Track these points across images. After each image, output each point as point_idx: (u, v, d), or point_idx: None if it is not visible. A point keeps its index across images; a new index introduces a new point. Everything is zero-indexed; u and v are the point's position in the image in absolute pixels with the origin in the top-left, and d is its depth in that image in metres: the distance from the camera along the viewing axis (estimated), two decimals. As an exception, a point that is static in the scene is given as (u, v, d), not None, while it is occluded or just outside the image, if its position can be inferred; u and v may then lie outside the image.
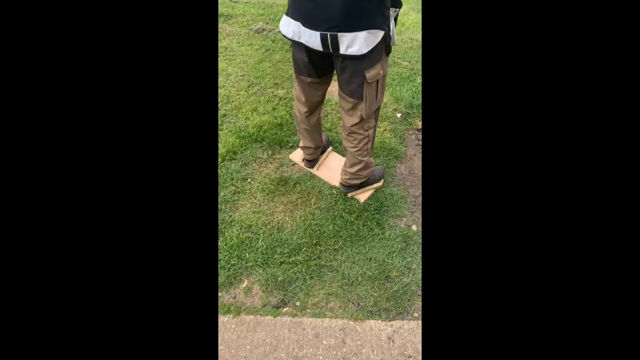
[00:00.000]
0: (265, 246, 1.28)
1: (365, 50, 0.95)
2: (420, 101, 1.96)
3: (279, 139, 1.72)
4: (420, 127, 1.80)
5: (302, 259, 1.24)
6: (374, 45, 0.95)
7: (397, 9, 0.97)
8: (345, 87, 1.11)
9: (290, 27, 1.06)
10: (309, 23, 0.97)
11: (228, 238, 1.30)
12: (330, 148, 1.68)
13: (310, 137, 1.43)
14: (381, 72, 1.04)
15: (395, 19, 0.99)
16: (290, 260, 1.24)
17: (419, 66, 2.28)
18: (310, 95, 1.26)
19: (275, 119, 1.83)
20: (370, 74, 1.02)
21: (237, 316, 1.11)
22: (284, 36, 1.11)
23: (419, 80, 2.13)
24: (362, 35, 0.92)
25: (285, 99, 1.99)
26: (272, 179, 1.53)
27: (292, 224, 1.36)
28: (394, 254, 1.26)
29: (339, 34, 0.93)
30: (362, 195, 1.46)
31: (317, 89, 1.24)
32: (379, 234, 1.33)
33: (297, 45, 1.11)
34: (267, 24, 2.79)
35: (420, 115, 1.88)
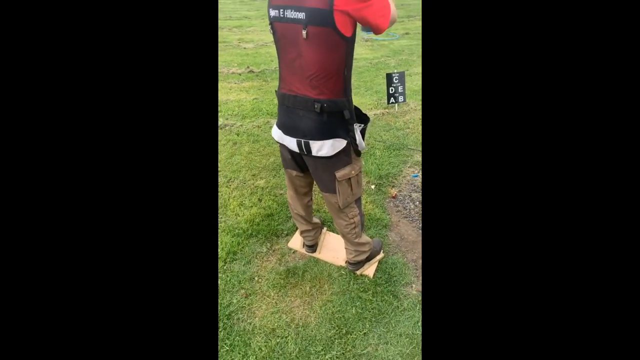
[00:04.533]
0: (297, 349, 1.19)
1: (332, 153, 1.09)
2: (385, 171, 2.18)
3: (273, 229, 1.71)
4: (394, 194, 1.98)
5: (338, 353, 1.18)
6: (340, 149, 1.10)
7: (363, 125, 1.15)
8: (319, 183, 1.24)
9: (276, 133, 1.20)
10: (288, 132, 1.12)
11: (256, 349, 1.18)
12: (325, 228, 1.72)
13: (306, 221, 1.47)
14: (352, 172, 1.18)
15: (363, 132, 1.16)
16: (327, 358, 1.17)
17: (372, 141, 2.57)
18: (297, 186, 1.36)
19: (264, 209, 1.83)
20: (339, 174, 1.16)
21: None
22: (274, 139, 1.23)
23: (379, 153, 2.38)
24: (329, 142, 1.07)
25: (267, 188, 2.02)
26: (279, 272, 1.48)
27: (315, 317, 1.30)
28: (419, 324, 1.28)
29: (310, 141, 1.07)
30: (370, 270, 1.49)
31: (302, 181, 1.34)
32: (398, 306, 1.34)
33: (282, 146, 1.23)
34: (227, 119, 2.91)
35: (391, 184, 2.07)
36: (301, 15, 0.88)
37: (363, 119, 1.17)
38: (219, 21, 7.56)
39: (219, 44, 5.46)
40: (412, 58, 4.75)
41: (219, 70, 4.13)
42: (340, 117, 1.05)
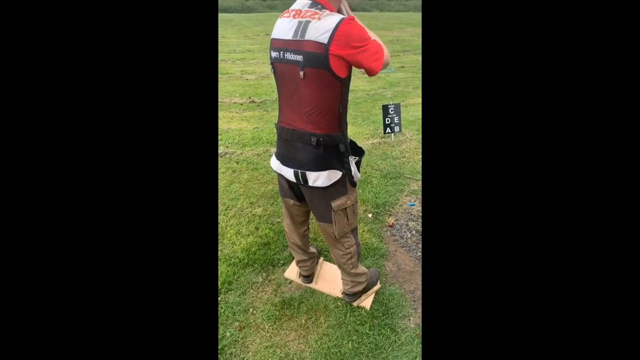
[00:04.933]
0: (291, 387, 1.14)
1: (327, 184, 1.12)
2: (382, 200, 2.19)
3: (269, 259, 1.69)
4: (391, 223, 1.98)
5: (333, 391, 1.13)
6: (335, 180, 1.13)
7: (358, 157, 1.19)
8: (316, 213, 1.25)
9: (275, 163, 1.24)
10: (286, 163, 1.16)
11: (248, 388, 1.13)
12: (322, 258, 1.71)
13: (302, 250, 1.47)
14: (348, 202, 1.20)
15: (358, 164, 1.20)
16: (322, 397, 1.11)
17: (368, 169, 2.61)
18: (294, 215, 1.37)
19: (261, 238, 1.82)
20: (335, 204, 1.18)
21: None
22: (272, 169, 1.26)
23: (375, 181, 2.41)
24: (324, 173, 1.10)
25: (264, 216, 2.03)
26: (275, 303, 1.45)
27: (310, 352, 1.26)
28: (417, 359, 1.24)
29: (307, 172, 1.10)
30: (367, 302, 1.46)
31: (299, 210, 1.35)
32: (396, 340, 1.30)
33: (280, 175, 1.26)
34: (227, 147, 2.97)
35: (388, 213, 2.08)
36: (299, 58, 0.94)
37: (358, 151, 1.20)
38: (223, 54, 7.91)
39: (223, 76, 5.68)
40: (407, 90, 4.93)
41: (222, 101, 4.27)
42: (336, 150, 1.09)
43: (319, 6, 0.95)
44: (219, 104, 4.16)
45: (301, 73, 0.95)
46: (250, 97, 4.42)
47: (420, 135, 3.22)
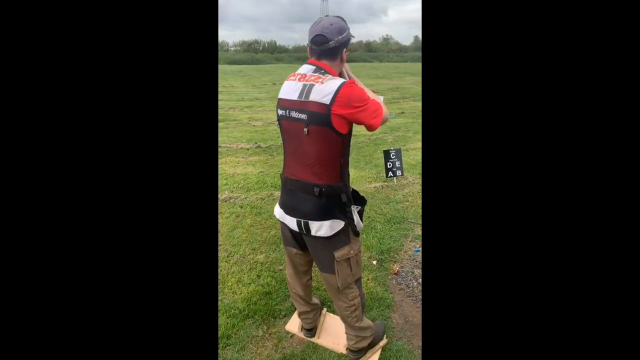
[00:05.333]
0: None
1: (330, 234, 1.12)
2: (387, 246, 2.15)
3: (270, 310, 1.62)
4: (396, 271, 1.92)
5: None
6: (338, 229, 1.13)
7: (360, 206, 1.20)
8: (318, 263, 1.23)
9: (278, 212, 1.25)
10: (289, 212, 1.17)
11: None
12: (325, 309, 1.64)
13: (305, 301, 1.41)
14: (351, 252, 1.19)
15: (361, 213, 1.21)
16: None
17: (372, 213, 2.60)
18: (297, 264, 1.34)
19: (263, 287, 1.77)
20: (338, 254, 1.16)
21: None
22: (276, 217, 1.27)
23: (379, 226, 2.39)
24: (327, 222, 1.11)
25: (267, 263, 1.99)
26: (275, 360, 1.36)
27: (312, 419, 1.15)
28: None
29: (310, 222, 1.10)
30: (373, 359, 1.37)
31: (302, 259, 1.33)
32: (405, 405, 1.20)
33: (283, 224, 1.26)
34: (232, 192, 3.02)
35: (393, 259, 2.03)
36: (303, 116, 1.00)
37: (360, 200, 1.22)
38: (232, 102, 8.37)
39: (231, 122, 5.96)
40: (408, 134, 5.09)
41: (229, 146, 4.42)
42: (338, 200, 1.11)
43: (322, 71, 1.03)
44: (226, 149, 4.30)
45: (305, 130, 1.00)
46: (256, 143, 4.58)
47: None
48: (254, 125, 5.73)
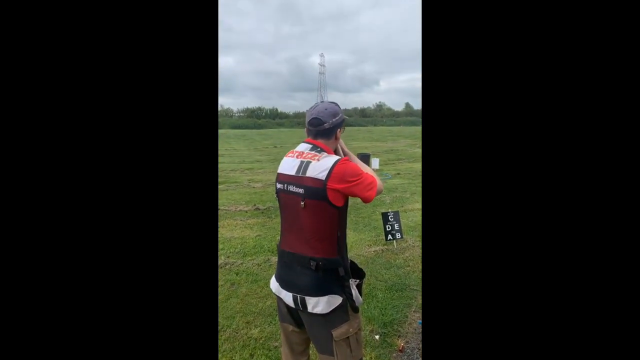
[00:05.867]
0: None
1: (327, 310, 1.06)
2: (389, 317, 2.02)
3: (263, 397, 1.45)
4: (401, 347, 1.77)
5: None
6: (336, 305, 1.08)
7: (359, 280, 1.17)
8: (315, 343, 1.15)
9: (274, 285, 1.20)
10: (285, 286, 1.13)
11: None
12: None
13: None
14: (350, 330, 1.12)
15: (360, 287, 1.16)
16: None
17: (373, 280, 2.49)
18: (293, 343, 1.24)
19: (255, 368, 1.61)
20: (337, 332, 1.09)
21: None
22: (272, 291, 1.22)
23: (381, 295, 2.27)
24: (324, 298, 1.06)
25: (261, 339, 1.83)
26: None
27: None
28: None
29: (306, 297, 1.06)
30: None
31: (298, 337, 1.24)
32: None
33: (279, 298, 1.20)
34: (228, 257, 2.93)
35: (396, 333, 1.88)
36: (300, 190, 1.04)
37: (359, 273, 1.18)
38: (234, 164, 8.65)
39: (231, 184, 6.08)
40: (405, 195, 5.16)
41: (227, 209, 4.44)
42: (336, 274, 1.08)
43: (319, 149, 1.10)
44: (225, 212, 4.31)
45: (302, 203, 1.02)
46: (255, 205, 4.60)
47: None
48: (253, 187, 5.83)
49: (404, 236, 3.17)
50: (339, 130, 1.14)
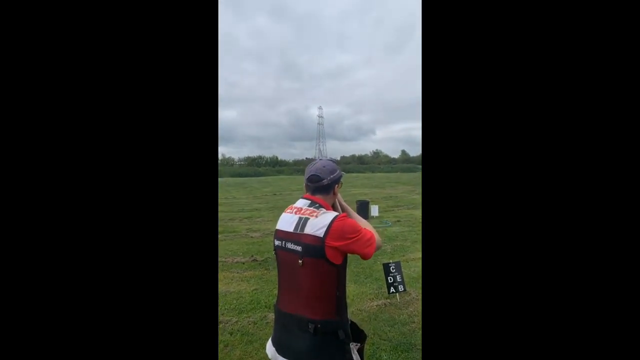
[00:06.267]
0: None
1: None
2: (396, 383, 1.84)
3: None
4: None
5: None
6: None
7: (359, 344, 1.10)
8: None
9: (270, 350, 1.12)
10: (282, 352, 1.06)
11: None
12: None
13: None
14: None
15: (361, 351, 1.10)
16: None
17: (376, 339, 2.33)
18: None
19: None
20: None
21: None
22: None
23: (385, 357, 2.10)
24: None
25: (255, 413, 1.65)
26: None
27: None
28: None
29: None
30: None
31: None
32: None
33: None
34: (222, 314, 2.76)
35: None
36: (299, 248, 1.02)
37: (359, 335, 1.12)
38: (232, 213, 8.61)
39: (229, 234, 5.97)
40: (406, 244, 5.05)
41: (224, 260, 4.31)
42: (335, 338, 1.01)
43: (317, 205, 1.11)
44: (221, 264, 4.17)
45: (300, 261, 1.00)
46: (252, 256, 4.48)
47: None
48: (251, 237, 5.73)
49: (407, 289, 3.03)
50: (336, 185, 1.17)
